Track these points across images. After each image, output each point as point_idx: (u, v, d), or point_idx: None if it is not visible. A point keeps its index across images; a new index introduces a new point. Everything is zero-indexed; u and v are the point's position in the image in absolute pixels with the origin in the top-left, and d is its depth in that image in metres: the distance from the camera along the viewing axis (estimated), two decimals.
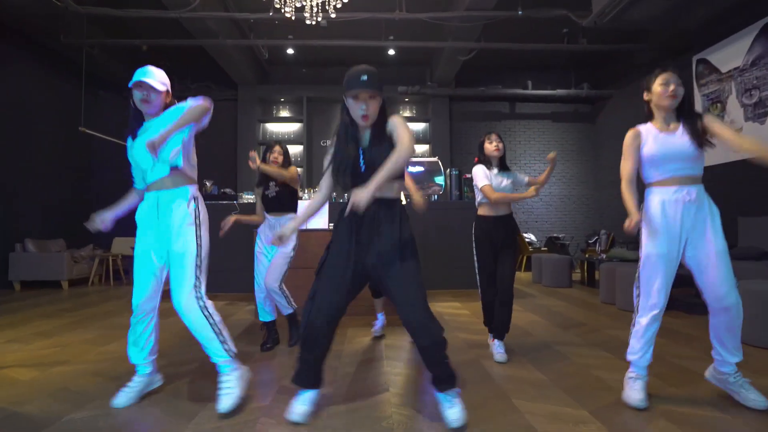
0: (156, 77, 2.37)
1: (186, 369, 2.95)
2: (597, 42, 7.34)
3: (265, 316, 3.54)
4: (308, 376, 2.13)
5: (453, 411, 2.02)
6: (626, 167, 2.34)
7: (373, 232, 2.03)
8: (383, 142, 2.01)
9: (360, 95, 1.96)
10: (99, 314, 4.93)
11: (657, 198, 2.30)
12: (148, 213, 2.36)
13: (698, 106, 6.73)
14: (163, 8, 6.05)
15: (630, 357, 2.37)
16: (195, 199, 2.38)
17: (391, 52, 8.45)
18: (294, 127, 9.45)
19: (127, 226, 9.66)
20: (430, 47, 7.64)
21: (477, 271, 3.21)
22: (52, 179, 7.96)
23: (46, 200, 7.85)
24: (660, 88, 2.30)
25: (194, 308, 2.23)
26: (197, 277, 2.27)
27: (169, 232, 2.28)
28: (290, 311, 3.50)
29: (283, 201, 3.51)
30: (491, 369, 2.88)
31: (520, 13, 6.16)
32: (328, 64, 9.13)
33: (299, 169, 9.00)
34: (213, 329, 2.25)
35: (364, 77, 1.94)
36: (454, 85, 9.20)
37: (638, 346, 2.34)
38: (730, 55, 6.13)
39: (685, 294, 5.70)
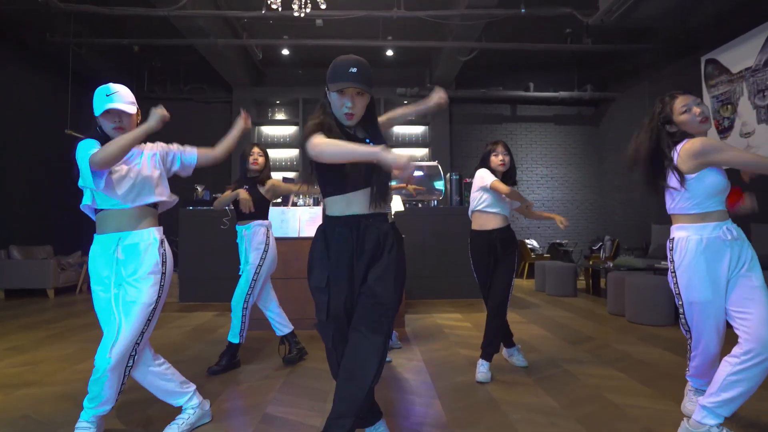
0: (124, 99, 2.05)
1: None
2: (601, 42, 7.12)
3: (279, 330, 3.34)
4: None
5: None
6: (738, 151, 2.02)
7: (370, 258, 1.70)
8: (378, 142, 1.70)
9: (347, 90, 1.66)
10: (81, 326, 4.68)
11: (696, 237, 1.97)
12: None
13: (708, 107, 6.49)
14: (151, 6, 5.82)
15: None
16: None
17: (389, 52, 8.22)
18: (290, 130, 9.22)
19: None
20: (430, 47, 7.41)
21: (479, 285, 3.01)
22: (39, 183, 7.72)
23: (34, 205, 7.61)
24: (687, 116, 2.06)
25: None
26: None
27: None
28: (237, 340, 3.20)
29: (255, 207, 3.24)
30: (496, 394, 2.63)
31: (523, 11, 5.93)
32: (324, 65, 8.82)
33: (293, 174, 8.78)
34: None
35: (353, 69, 1.64)
36: (454, 87, 8.98)
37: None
38: (742, 54, 5.90)
39: None
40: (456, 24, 6.29)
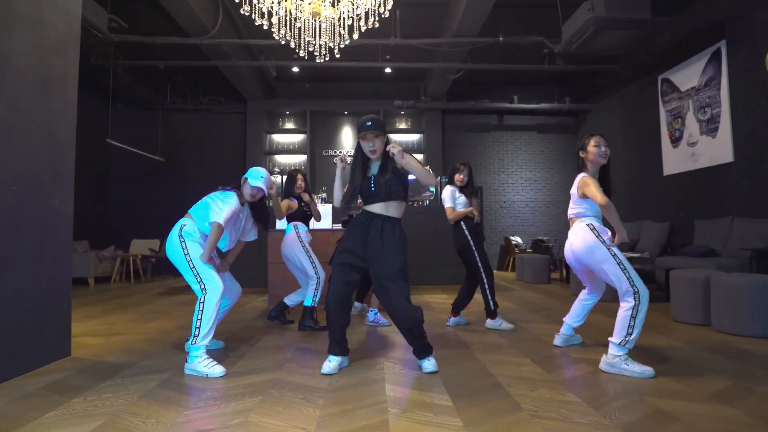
0: (267, 183, 3.10)
1: (221, 338, 3.68)
2: (573, 63, 8.14)
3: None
4: (334, 345, 2.73)
5: (428, 363, 2.74)
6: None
7: (377, 237, 2.64)
8: (387, 172, 2.70)
9: (367, 136, 2.67)
10: (129, 304, 5.65)
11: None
12: None
13: (663, 120, 7.50)
14: (185, 35, 6.82)
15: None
16: None
17: (388, 70, 9.23)
18: (298, 138, 10.21)
19: (143, 228, 10.51)
20: (422, 68, 8.41)
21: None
22: (77, 186, 8.69)
23: (74, 205, 8.59)
24: (595, 149, 2.97)
25: None
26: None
27: None
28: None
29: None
30: (464, 337, 3.62)
31: (501, 39, 6.95)
32: (330, 79, 9.92)
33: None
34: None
35: (369, 123, 2.65)
36: (446, 100, 9.98)
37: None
38: (688, 75, 6.91)
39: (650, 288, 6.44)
40: (444, 50, 7.30)
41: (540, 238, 10.14)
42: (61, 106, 3.08)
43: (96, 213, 9.32)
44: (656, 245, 7.17)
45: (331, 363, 2.68)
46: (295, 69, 9.17)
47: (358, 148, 2.76)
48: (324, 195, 7.63)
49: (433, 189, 7.96)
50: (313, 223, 5.55)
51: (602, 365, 2.68)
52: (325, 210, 5.58)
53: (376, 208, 2.71)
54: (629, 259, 6.53)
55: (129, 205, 9.94)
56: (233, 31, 7.31)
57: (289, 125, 10.37)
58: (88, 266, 7.75)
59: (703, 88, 6.61)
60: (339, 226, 5.61)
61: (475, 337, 3.62)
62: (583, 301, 3.25)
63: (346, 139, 10.34)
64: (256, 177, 3.08)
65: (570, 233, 2.99)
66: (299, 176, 4.26)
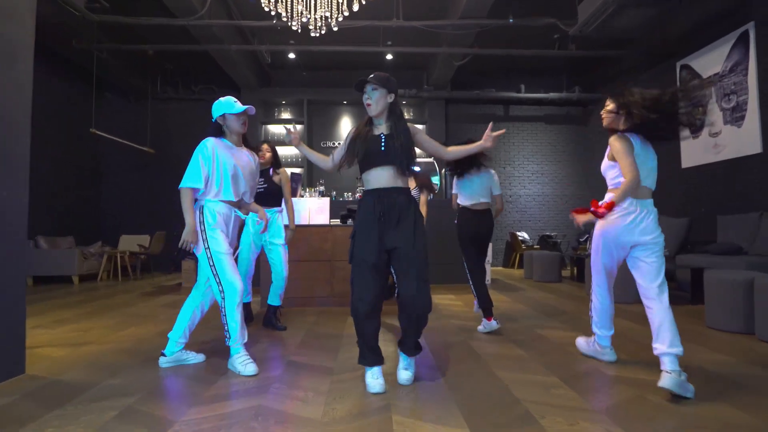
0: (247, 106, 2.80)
1: (202, 348, 3.25)
2: (586, 48, 7.67)
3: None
4: (368, 356, 2.38)
5: (406, 372, 2.44)
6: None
7: (393, 217, 2.34)
8: (400, 135, 2.39)
9: (366, 87, 2.41)
10: (112, 305, 5.22)
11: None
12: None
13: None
14: (172, 16, 6.36)
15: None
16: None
17: (389, 57, 8.76)
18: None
19: (133, 223, 10.02)
20: (426, 53, 7.96)
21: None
22: (60, 179, 8.25)
23: (56, 199, 8.14)
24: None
25: None
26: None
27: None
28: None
29: (270, 196, 3.85)
30: (478, 348, 3.19)
31: (511, 21, 6.49)
32: (327, 67, 9.45)
33: (300, 170, 9.31)
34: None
35: (371, 75, 2.40)
36: (450, 89, 9.52)
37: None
38: (711, 61, 6.46)
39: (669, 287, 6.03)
40: (450, 32, 6.84)
41: (547, 233, 9.71)
42: (11, 81, 2.63)
43: (83, 207, 8.86)
44: (674, 242, 6.75)
45: (377, 378, 2.34)
46: (291, 55, 8.69)
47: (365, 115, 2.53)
48: (322, 188, 7.19)
49: (437, 182, 7.54)
50: (308, 219, 5.13)
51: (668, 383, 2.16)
52: (323, 204, 5.15)
53: (383, 176, 2.38)
54: None
55: (118, 199, 9.49)
56: (223, 12, 6.83)
57: (286, 115, 9.92)
58: (72, 264, 7.32)
59: (728, 74, 6.16)
60: (337, 221, 5.18)
61: (490, 347, 3.20)
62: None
63: (345, 129, 9.88)
64: (230, 104, 2.76)
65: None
66: (265, 146, 3.94)
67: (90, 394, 2.30)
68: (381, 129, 2.45)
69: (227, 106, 2.75)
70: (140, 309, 4.97)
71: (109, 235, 8.96)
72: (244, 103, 2.82)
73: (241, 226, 3.28)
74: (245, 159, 2.89)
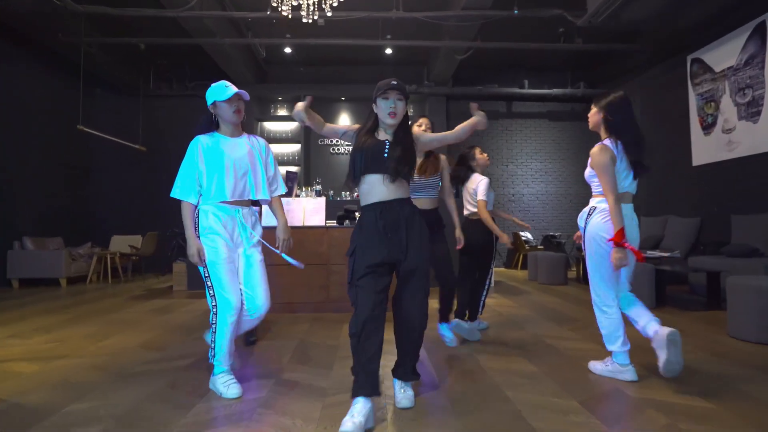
0: (239, 89, 2.47)
1: (183, 363, 2.99)
2: (592, 41, 7.39)
3: None
4: (365, 382, 2.00)
5: (406, 393, 2.24)
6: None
7: (399, 227, 2.14)
8: (406, 142, 2.22)
9: (390, 94, 2.16)
10: (97, 310, 4.96)
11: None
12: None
13: (692, 105, 6.79)
14: (161, 7, 6.08)
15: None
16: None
17: (388, 51, 8.48)
18: (291, 126, 9.48)
19: (124, 223, 9.72)
20: (427, 46, 7.68)
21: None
22: (49, 178, 7.98)
23: (44, 199, 7.88)
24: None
25: None
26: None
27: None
28: None
29: None
30: (485, 363, 2.93)
31: (516, 12, 6.21)
32: (325, 63, 9.17)
33: (296, 168, 9.03)
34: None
35: (394, 82, 2.17)
36: (451, 84, 9.25)
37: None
38: (724, 54, 6.19)
39: (681, 291, 5.78)
40: (452, 24, 6.56)
41: (551, 233, 9.46)
42: None
43: (72, 207, 8.58)
44: (685, 243, 6.50)
45: (357, 417, 1.90)
46: (288, 50, 8.41)
47: (371, 115, 2.27)
48: (318, 188, 6.92)
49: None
50: (304, 220, 4.86)
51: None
52: (318, 204, 4.88)
53: (386, 185, 2.15)
54: (658, 258, 5.91)
55: (109, 198, 9.21)
56: (215, 3, 6.55)
57: (282, 112, 9.64)
58: (60, 266, 7.05)
59: (743, 68, 5.89)
60: (333, 223, 4.91)
61: (498, 362, 2.94)
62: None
63: (343, 125, 9.60)
64: (220, 89, 2.44)
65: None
66: None
67: (50, 422, 2.04)
68: (386, 136, 2.25)
69: (217, 91, 2.43)
70: (126, 315, 4.72)
71: (99, 236, 8.69)
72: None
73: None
74: (243, 150, 2.50)
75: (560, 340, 3.53)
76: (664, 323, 2.50)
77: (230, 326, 2.36)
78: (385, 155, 2.16)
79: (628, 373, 2.56)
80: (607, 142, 2.56)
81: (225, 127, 2.51)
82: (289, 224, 3.22)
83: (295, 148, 9.34)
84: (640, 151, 2.54)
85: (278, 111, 9.64)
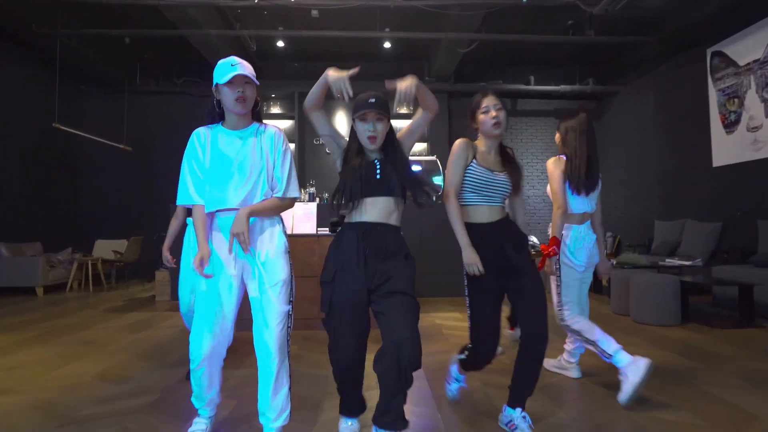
0: (248, 69, 1.91)
1: (143, 402, 2.53)
2: (604, 34, 6.92)
3: None
4: (352, 407, 2.08)
5: None
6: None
7: (380, 252, 1.88)
8: (395, 157, 1.97)
9: (368, 115, 1.89)
10: (66, 327, 4.51)
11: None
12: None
13: (713, 101, 6.33)
14: None
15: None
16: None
17: (387, 45, 8.03)
18: (285, 125, 9.03)
19: (108, 228, 9.17)
20: (428, 38, 7.23)
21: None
22: (27, 179, 7.53)
23: (22, 200, 7.42)
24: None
25: None
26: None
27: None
28: None
29: None
30: (498, 399, 2.47)
31: (524, 0, 5.75)
32: (320, 58, 8.70)
33: None
34: None
35: (372, 99, 1.89)
36: (453, 81, 8.80)
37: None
38: (749, 46, 5.73)
39: (703, 303, 5.31)
40: (455, 14, 6.10)
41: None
42: None
43: (54, 210, 8.13)
44: (704, 249, 6.05)
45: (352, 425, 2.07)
46: (280, 44, 7.96)
47: (353, 136, 2.01)
48: (312, 190, 6.47)
49: (440, 182, 6.81)
50: (293, 228, 4.41)
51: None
52: (309, 210, 4.43)
53: (376, 208, 1.91)
54: (678, 267, 5.45)
55: (93, 200, 8.75)
56: None
57: (275, 110, 9.18)
58: (35, 273, 6.59)
59: None
60: (325, 231, 4.45)
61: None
62: None
63: (340, 125, 9.14)
64: (223, 69, 1.88)
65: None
66: None
67: None
68: (374, 155, 1.99)
69: (219, 71, 1.89)
70: (96, 333, 4.26)
71: (82, 241, 8.22)
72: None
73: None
74: (248, 148, 1.97)
75: (585, 368, 3.07)
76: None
77: (201, 377, 1.95)
78: (377, 176, 1.91)
79: (575, 371, 2.87)
80: (563, 156, 2.73)
81: (229, 118, 2.00)
82: None
83: (290, 147, 8.87)
84: (590, 174, 2.66)
85: (271, 109, 9.19)
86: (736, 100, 5.96)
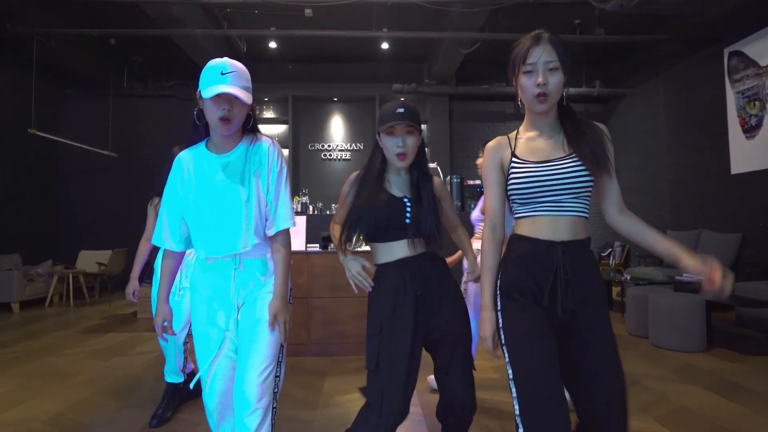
0: (241, 82, 1.49)
1: None
2: (614, 33, 6.55)
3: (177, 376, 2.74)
4: None
5: None
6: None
7: (433, 294, 1.68)
8: (428, 193, 1.72)
9: (396, 129, 1.67)
10: (32, 352, 4.12)
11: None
12: None
13: (731, 104, 5.96)
14: None
15: None
16: None
17: (385, 45, 7.66)
18: (279, 129, 8.65)
19: (92, 239, 8.64)
20: (428, 38, 6.85)
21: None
22: (7, 187, 7.13)
23: (1, 211, 7.02)
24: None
25: None
26: None
27: None
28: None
29: None
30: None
31: None
32: (315, 59, 8.34)
33: None
34: None
35: (401, 110, 1.66)
36: (455, 83, 8.42)
37: None
38: None
39: (726, 322, 4.91)
40: (457, 12, 5.72)
41: None
42: None
43: (34, 220, 7.73)
44: (722, 262, 5.56)
45: None
46: (273, 45, 7.59)
47: (376, 151, 1.76)
48: (305, 199, 6.08)
49: None
50: None
51: None
52: (297, 224, 4.03)
53: (403, 249, 1.69)
54: (690, 282, 5.04)
55: (76, 210, 8.35)
56: None
57: (269, 114, 8.80)
58: (11, 288, 6.19)
59: None
60: (315, 247, 4.06)
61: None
62: None
63: (336, 130, 8.76)
64: (208, 78, 1.47)
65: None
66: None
67: None
68: (402, 188, 1.74)
69: (205, 78, 1.49)
70: (64, 360, 3.87)
71: (65, 252, 7.83)
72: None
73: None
74: (239, 175, 1.60)
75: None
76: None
77: (215, 408, 1.64)
78: (407, 221, 1.67)
79: None
80: None
81: (214, 136, 1.60)
82: None
83: (284, 153, 8.49)
84: None
85: (264, 113, 8.81)
86: (757, 102, 5.59)
